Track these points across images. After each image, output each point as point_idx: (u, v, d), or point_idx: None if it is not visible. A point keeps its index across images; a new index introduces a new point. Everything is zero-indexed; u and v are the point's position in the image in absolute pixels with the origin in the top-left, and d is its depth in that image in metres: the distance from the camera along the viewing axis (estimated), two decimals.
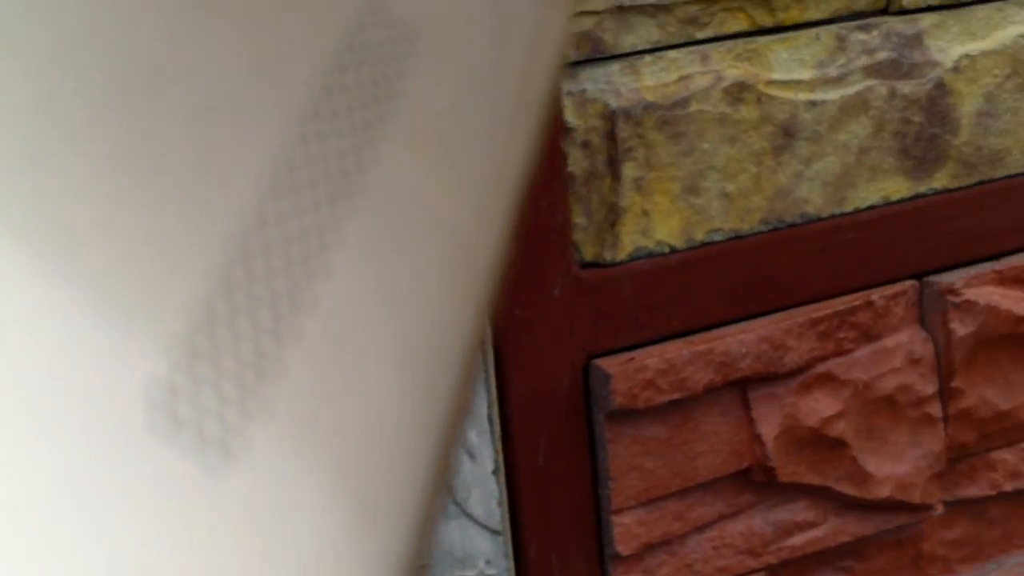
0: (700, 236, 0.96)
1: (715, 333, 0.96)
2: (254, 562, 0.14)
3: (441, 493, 0.18)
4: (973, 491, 1.07)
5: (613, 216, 0.93)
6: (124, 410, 0.13)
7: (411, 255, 0.18)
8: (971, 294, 1.00)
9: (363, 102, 0.17)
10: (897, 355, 1.00)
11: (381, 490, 0.16)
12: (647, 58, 0.92)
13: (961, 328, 1.00)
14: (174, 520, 0.13)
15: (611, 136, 0.91)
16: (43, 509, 0.12)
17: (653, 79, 0.92)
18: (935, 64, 1.00)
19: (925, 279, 1.02)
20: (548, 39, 0.22)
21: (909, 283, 1.02)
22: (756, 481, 0.98)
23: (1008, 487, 1.07)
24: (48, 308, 0.13)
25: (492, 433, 0.90)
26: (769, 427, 0.96)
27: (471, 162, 0.19)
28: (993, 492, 1.07)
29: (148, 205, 0.14)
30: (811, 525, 1.01)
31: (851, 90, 0.98)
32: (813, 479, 0.99)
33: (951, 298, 1.00)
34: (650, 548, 0.95)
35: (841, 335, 0.98)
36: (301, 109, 0.16)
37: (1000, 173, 1.04)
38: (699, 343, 0.94)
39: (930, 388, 1.02)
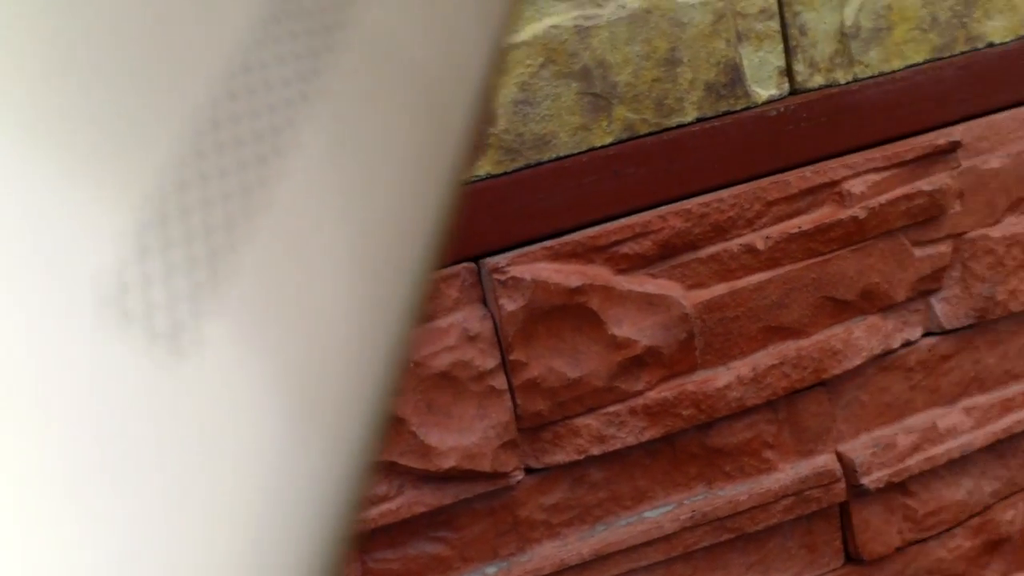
0: None
1: None
2: (197, 456, 0.13)
3: (391, 397, 0.18)
4: (560, 457, 1.12)
5: None
6: (72, 301, 0.13)
7: (367, 159, 0.17)
8: (517, 271, 1.07)
9: (323, 7, 0.17)
10: (451, 333, 1.07)
11: (330, 391, 0.16)
12: None
13: (510, 303, 1.07)
14: (122, 414, 0.13)
15: None
16: None
17: None
18: None
19: (482, 260, 1.09)
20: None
21: (463, 265, 1.08)
22: None
23: (596, 451, 1.12)
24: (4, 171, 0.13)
25: None
26: None
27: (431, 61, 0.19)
28: (581, 456, 1.12)
29: (100, 96, 0.14)
30: (385, 498, 1.08)
31: None
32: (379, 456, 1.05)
33: (498, 276, 1.06)
34: None
35: None
36: (260, 11, 0.16)
37: (548, 156, 1.10)
38: None
39: (491, 362, 1.08)
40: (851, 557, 1.26)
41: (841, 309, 1.18)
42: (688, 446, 1.17)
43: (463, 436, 1.08)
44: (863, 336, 1.19)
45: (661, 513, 1.16)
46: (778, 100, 1.16)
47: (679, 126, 1.13)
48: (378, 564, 1.10)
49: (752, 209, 1.13)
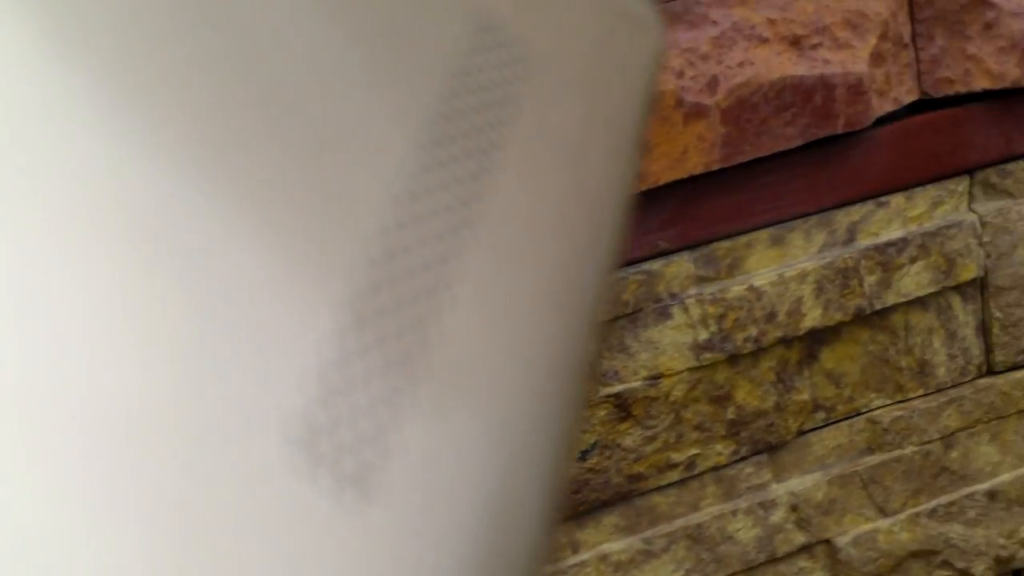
0: None
1: None
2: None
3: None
4: None
5: None
6: (262, 445, 0.12)
7: (525, 286, 0.17)
8: None
9: (478, 127, 0.17)
10: None
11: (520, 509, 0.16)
12: None
13: None
14: (312, 561, 0.12)
15: None
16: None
17: None
18: None
19: None
20: (641, 54, 0.22)
21: None
22: None
23: None
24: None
25: None
26: None
27: (582, 177, 0.19)
28: None
29: (278, 241, 0.14)
30: None
31: None
32: None
33: None
34: None
35: None
36: (419, 137, 0.16)
37: None
38: None
39: None
40: None
41: None
42: None
43: None
44: None
45: None
46: None
47: None
48: None
49: None
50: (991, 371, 0.93)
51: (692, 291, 0.82)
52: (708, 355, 0.83)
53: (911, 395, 0.91)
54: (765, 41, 0.78)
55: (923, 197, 0.87)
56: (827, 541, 0.91)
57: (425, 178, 0.16)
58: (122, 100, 0.13)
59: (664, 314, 0.81)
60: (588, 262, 0.18)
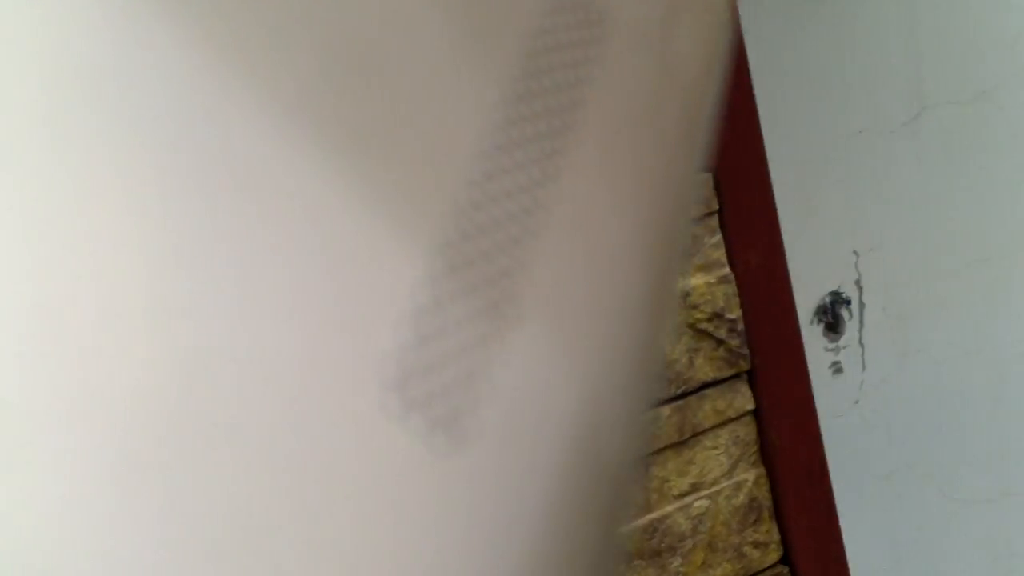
0: None
1: None
2: (471, 547, 0.14)
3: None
4: None
5: None
6: (357, 388, 0.13)
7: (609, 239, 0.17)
8: None
9: (559, 84, 0.17)
10: None
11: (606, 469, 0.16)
12: None
13: None
14: (400, 501, 0.13)
15: None
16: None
17: None
18: None
19: None
20: (712, 28, 0.22)
21: None
22: None
23: None
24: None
25: None
26: None
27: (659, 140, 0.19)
28: None
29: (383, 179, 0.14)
30: None
31: None
32: None
33: None
34: None
35: None
36: (504, 93, 0.16)
37: None
38: None
39: None
40: None
41: None
42: None
43: None
44: None
45: None
46: None
47: None
48: None
49: None
50: None
51: None
52: None
53: None
54: None
55: None
56: None
57: (510, 132, 0.16)
58: (224, 53, 0.13)
59: None
60: (665, 213, 0.19)
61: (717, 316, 0.89)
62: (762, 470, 0.94)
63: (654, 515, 0.90)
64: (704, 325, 0.89)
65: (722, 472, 0.92)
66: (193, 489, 0.12)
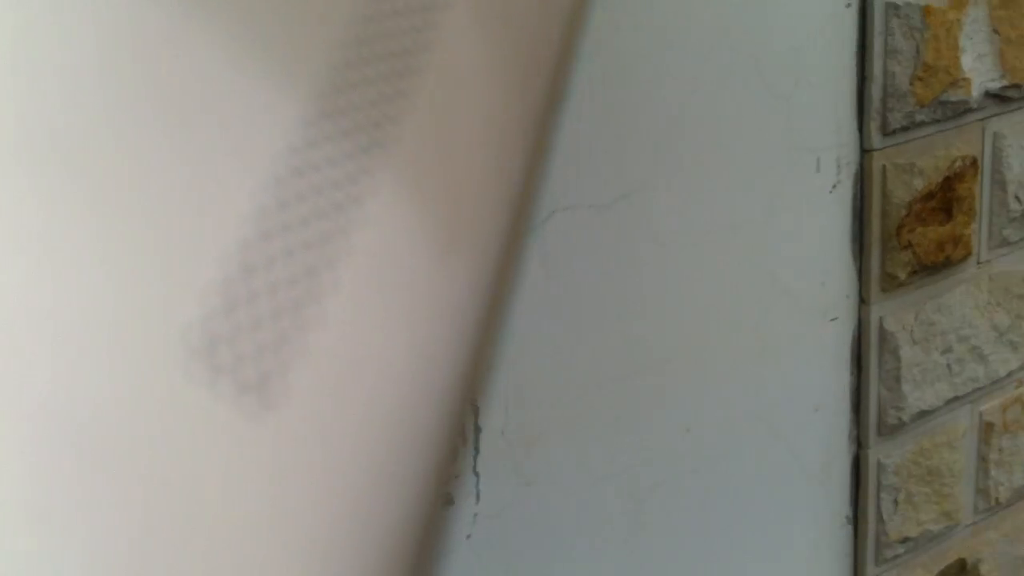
0: None
1: None
2: (283, 506, 0.13)
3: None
4: None
5: None
6: (161, 354, 0.12)
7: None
8: None
9: (398, 38, 0.17)
10: None
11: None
12: None
13: None
14: (209, 463, 0.12)
15: None
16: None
17: None
18: None
19: None
20: None
21: None
22: None
23: None
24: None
25: None
26: None
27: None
28: None
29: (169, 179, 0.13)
30: None
31: None
32: None
33: None
34: None
35: None
36: (341, 41, 0.16)
37: None
38: None
39: None
40: None
41: None
42: None
43: None
44: None
45: None
46: None
47: None
48: None
49: None
50: None
51: None
52: None
53: None
54: None
55: None
56: None
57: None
58: None
59: None
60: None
61: None
62: None
63: None
64: None
65: None
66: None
